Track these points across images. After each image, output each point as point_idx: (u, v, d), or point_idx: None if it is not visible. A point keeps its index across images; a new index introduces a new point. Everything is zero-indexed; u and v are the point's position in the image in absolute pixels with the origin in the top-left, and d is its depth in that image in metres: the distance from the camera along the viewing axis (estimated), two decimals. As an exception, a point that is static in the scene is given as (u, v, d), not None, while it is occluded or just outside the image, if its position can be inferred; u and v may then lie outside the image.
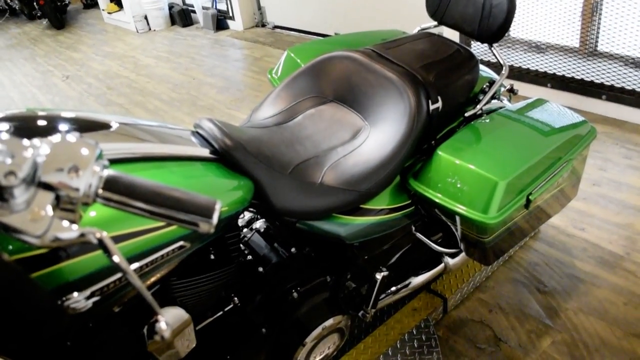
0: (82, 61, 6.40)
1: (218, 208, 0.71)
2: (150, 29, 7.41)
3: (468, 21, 1.67)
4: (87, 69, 6.05)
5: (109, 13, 8.24)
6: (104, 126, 1.07)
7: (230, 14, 6.60)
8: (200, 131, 1.27)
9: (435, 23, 1.84)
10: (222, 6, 6.72)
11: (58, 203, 0.67)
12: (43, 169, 0.65)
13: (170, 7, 7.37)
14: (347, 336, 1.66)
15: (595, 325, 1.90)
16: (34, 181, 0.65)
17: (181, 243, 1.06)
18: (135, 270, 0.99)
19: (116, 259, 0.69)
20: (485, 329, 1.95)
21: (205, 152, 1.21)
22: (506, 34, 1.84)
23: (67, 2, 8.86)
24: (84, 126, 1.02)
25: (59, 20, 8.44)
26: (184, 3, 7.54)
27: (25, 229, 0.63)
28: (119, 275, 0.94)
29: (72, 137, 0.68)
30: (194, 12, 7.17)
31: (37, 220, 0.64)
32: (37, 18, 9.12)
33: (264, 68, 5.14)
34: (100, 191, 0.68)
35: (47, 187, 0.66)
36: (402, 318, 1.98)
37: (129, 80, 5.43)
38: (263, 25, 6.55)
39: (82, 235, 0.67)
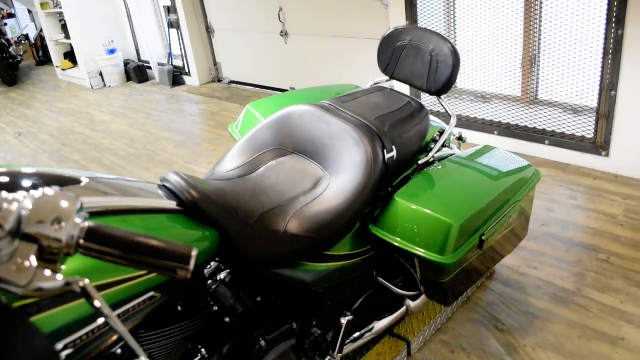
0: (35, 118, 6.33)
1: (194, 255, 0.75)
2: (105, 85, 7.41)
3: (417, 76, 1.79)
4: (40, 125, 5.99)
5: (62, 70, 8.21)
6: (74, 181, 1.09)
7: (187, 70, 6.70)
8: (167, 184, 1.30)
9: (387, 78, 1.96)
10: (178, 62, 6.82)
11: (41, 254, 0.70)
12: (27, 221, 0.68)
13: (126, 63, 7.43)
14: (314, 383, 1.68)
15: (552, 360, 1.98)
16: (18, 233, 0.68)
17: (152, 294, 1.08)
18: (104, 323, 1.00)
19: (98, 304, 0.71)
20: (448, 370, 1.99)
21: (172, 204, 1.25)
22: (454, 86, 1.97)
23: (19, 59, 8.81)
24: (55, 181, 1.05)
25: (11, 77, 8.35)
26: (139, 59, 7.61)
27: (11, 279, 0.66)
28: (91, 327, 0.95)
29: (53, 191, 0.72)
30: (149, 68, 7.24)
31: (22, 271, 0.67)
32: (-12, 75, 9.00)
33: (221, 122, 5.22)
34: (81, 242, 0.71)
35: (30, 239, 0.68)
36: (368, 363, 2.01)
37: (85, 136, 5.40)
38: (219, 81, 6.67)
39: (67, 284, 0.70)
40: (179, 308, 1.31)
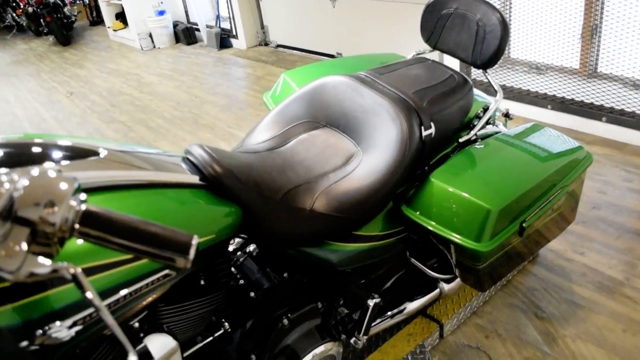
0: (86, 78, 6.45)
1: (195, 244, 0.70)
2: (154, 47, 7.47)
3: (462, 47, 1.67)
4: (91, 85, 6.10)
5: (114, 30, 8.33)
6: (93, 153, 1.07)
7: (234, 33, 6.65)
8: (190, 157, 1.26)
9: (430, 48, 1.85)
10: (225, 25, 6.77)
11: (34, 238, 0.66)
12: (19, 204, 0.65)
13: (175, 25, 7.44)
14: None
15: (593, 353, 1.87)
16: (10, 216, 0.65)
17: (166, 272, 1.05)
18: (120, 298, 0.98)
19: (89, 295, 0.68)
20: (481, 356, 1.92)
21: (194, 178, 1.21)
22: (505, 55, 1.83)
23: (73, 19, 8.96)
24: (73, 154, 1.02)
25: (65, 37, 8.53)
26: (188, 21, 7.61)
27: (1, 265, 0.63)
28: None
29: (51, 172, 0.68)
30: (198, 30, 7.23)
31: (12, 256, 0.64)
32: (44, 35, 9.22)
33: (265, 87, 5.17)
34: (76, 226, 0.68)
35: (23, 221, 0.65)
36: (397, 343, 1.96)
37: (132, 97, 5.46)
38: (266, 44, 6.60)
39: (55, 271, 0.66)
40: (202, 282, 1.29)
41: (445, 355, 1.94)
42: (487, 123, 1.72)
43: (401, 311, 1.80)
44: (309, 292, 1.52)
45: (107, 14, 8.42)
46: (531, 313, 2.08)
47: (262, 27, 6.53)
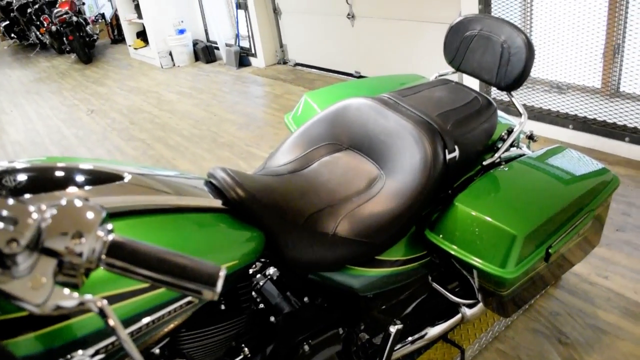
0: (107, 95, 6.55)
1: (222, 275, 0.69)
2: (174, 65, 7.57)
3: (486, 69, 1.66)
4: (111, 103, 6.18)
5: (135, 49, 8.46)
6: (117, 178, 1.07)
7: (253, 51, 6.72)
8: (213, 180, 1.26)
9: (453, 70, 1.84)
10: (244, 43, 6.84)
11: (60, 268, 0.66)
12: (47, 234, 0.65)
13: (195, 43, 7.54)
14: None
15: (620, 382, 1.82)
16: (37, 247, 0.64)
17: (189, 299, 1.04)
18: (143, 326, 0.98)
19: (115, 327, 0.67)
20: (504, 382, 1.88)
21: (217, 202, 1.21)
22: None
23: (95, 38, 9.14)
24: (98, 178, 1.03)
25: (87, 54, 8.69)
26: (207, 40, 7.70)
27: (26, 298, 0.62)
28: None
29: (79, 201, 0.68)
30: (217, 48, 7.32)
31: (38, 288, 0.63)
32: (66, 52, 9.41)
33: (284, 105, 5.19)
34: (103, 257, 0.67)
35: (50, 252, 0.65)
36: (419, 369, 1.93)
37: (152, 115, 5.52)
38: (285, 63, 6.64)
39: (81, 304, 0.66)
40: (222, 307, 1.27)
41: (467, 381, 1.91)
42: (512, 145, 1.70)
43: (422, 336, 1.77)
44: (330, 317, 1.50)
45: (129, 33, 8.57)
46: (554, 338, 2.03)
47: (281, 45, 6.59)
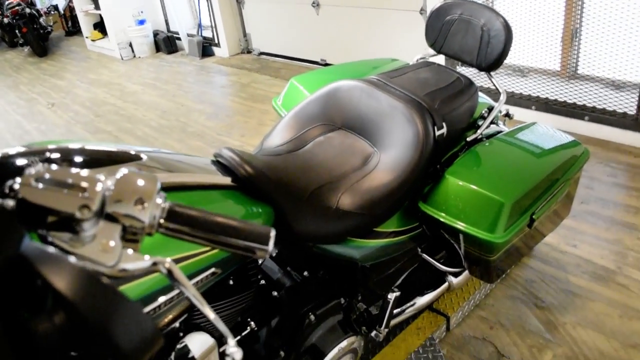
0: (67, 89, 6.40)
1: (273, 235, 0.75)
2: (135, 56, 7.45)
3: (467, 51, 1.76)
4: (72, 96, 6.06)
5: (92, 40, 8.27)
6: (136, 157, 1.11)
7: (216, 41, 6.68)
8: (221, 160, 1.31)
9: (433, 52, 1.93)
10: (207, 33, 6.80)
11: (123, 235, 0.71)
12: (110, 202, 0.69)
13: (155, 34, 7.44)
14: (359, 357, 1.70)
15: (593, 338, 1.97)
16: (102, 214, 0.69)
17: (213, 270, 1.10)
18: (171, 298, 1.03)
19: (187, 287, 0.72)
20: (487, 346, 2.00)
21: (226, 180, 1.26)
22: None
23: (49, 30, 8.87)
24: (120, 158, 1.06)
25: (42, 47, 8.45)
26: (168, 30, 7.61)
27: (98, 260, 0.67)
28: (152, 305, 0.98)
29: (136, 172, 0.72)
30: (179, 39, 7.24)
31: (108, 251, 0.68)
32: (19, 45, 9.08)
33: (252, 94, 5.21)
34: (162, 221, 0.72)
35: (112, 219, 0.69)
36: (408, 337, 2.03)
37: (116, 107, 5.45)
38: (249, 52, 6.64)
39: (154, 264, 0.71)
40: (231, 282, 1.33)
41: (453, 347, 2.02)
42: (492, 123, 1.81)
43: (412, 305, 1.87)
44: (331, 289, 1.58)
45: (85, 24, 8.36)
46: (531, 303, 2.17)
47: (245, 35, 6.58)
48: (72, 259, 0.62)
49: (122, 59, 7.45)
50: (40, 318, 0.59)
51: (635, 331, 1.98)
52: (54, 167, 0.67)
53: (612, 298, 2.15)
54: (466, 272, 1.91)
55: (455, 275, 1.91)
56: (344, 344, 1.55)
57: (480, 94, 1.92)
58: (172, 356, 1.22)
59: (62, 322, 0.59)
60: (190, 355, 1.20)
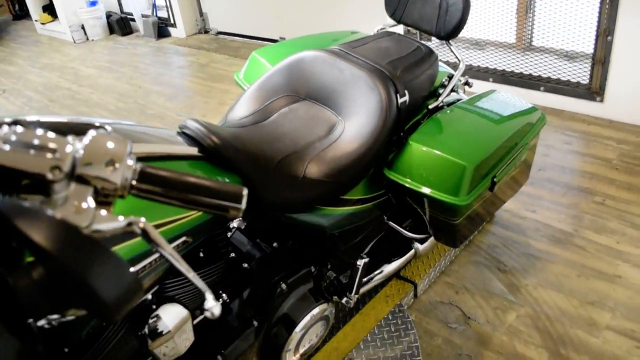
0: (18, 74, 6.17)
1: (245, 194, 0.76)
2: (88, 39, 7.21)
3: (426, 20, 1.78)
4: (24, 82, 5.84)
5: (42, 24, 7.96)
6: (101, 128, 1.09)
7: (172, 21, 6.54)
8: (187, 131, 1.30)
9: (394, 22, 1.95)
10: (162, 13, 6.64)
11: (95, 197, 0.70)
12: (80, 164, 0.68)
13: (108, 15, 7.21)
14: (331, 324, 1.73)
15: (553, 298, 2.05)
16: (73, 176, 0.68)
17: (184, 238, 1.10)
18: (143, 266, 1.02)
19: (162, 246, 0.72)
20: (454, 310, 2.06)
21: (193, 150, 1.25)
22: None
23: (-5, 14, 8.51)
24: (84, 129, 1.04)
25: (-12, 33, 8.10)
26: (122, 11, 7.39)
27: (72, 220, 0.66)
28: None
29: (106, 134, 0.71)
30: (133, 20, 7.04)
31: (81, 213, 0.67)
32: (-37, 31, 8.70)
33: (211, 74, 5.14)
34: (134, 183, 0.72)
35: (84, 181, 0.68)
36: (377, 305, 2.07)
37: (71, 91, 5.29)
38: (206, 32, 6.53)
39: (129, 224, 0.70)
40: (201, 255, 1.33)
41: (421, 312, 2.07)
42: (452, 91, 1.84)
43: (380, 273, 1.91)
44: (301, 258, 1.60)
45: (33, 7, 8.03)
46: (494, 267, 2.24)
47: (201, 14, 6.45)
48: (49, 211, 0.61)
49: (74, 42, 7.20)
50: (18, 273, 0.58)
51: (592, 289, 2.07)
52: (20, 129, 0.66)
53: (570, 259, 2.23)
54: (432, 239, 1.95)
55: (421, 242, 1.95)
56: (315, 311, 1.57)
57: (440, 63, 1.95)
58: (146, 329, 1.21)
59: (41, 277, 0.59)
60: (164, 327, 1.20)
